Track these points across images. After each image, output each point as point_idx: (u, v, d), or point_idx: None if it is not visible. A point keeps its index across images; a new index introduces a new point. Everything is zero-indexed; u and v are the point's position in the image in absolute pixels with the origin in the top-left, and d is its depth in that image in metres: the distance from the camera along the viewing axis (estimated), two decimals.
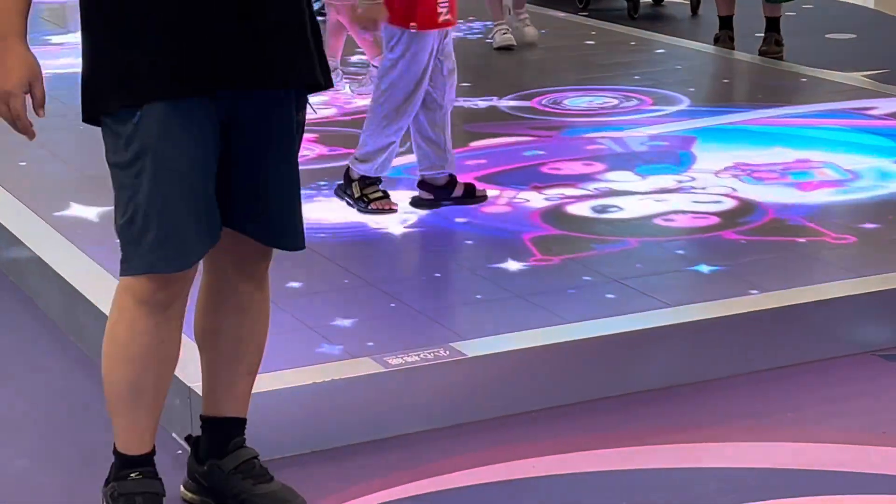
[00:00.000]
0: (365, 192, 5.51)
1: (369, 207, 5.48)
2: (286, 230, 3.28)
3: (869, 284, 4.60)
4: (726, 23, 8.94)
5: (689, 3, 11.05)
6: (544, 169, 6.14)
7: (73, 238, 5.09)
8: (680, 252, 5.05)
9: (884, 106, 7.14)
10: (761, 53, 8.71)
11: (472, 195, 5.61)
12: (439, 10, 5.37)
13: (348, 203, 5.56)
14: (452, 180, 5.61)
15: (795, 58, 8.61)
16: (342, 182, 5.60)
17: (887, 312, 4.52)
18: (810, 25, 9.73)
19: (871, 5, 11.15)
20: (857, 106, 7.20)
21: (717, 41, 8.93)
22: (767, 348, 4.35)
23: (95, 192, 5.51)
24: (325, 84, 3.24)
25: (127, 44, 3.03)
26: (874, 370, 4.28)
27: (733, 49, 8.73)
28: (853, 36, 9.54)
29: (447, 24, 5.43)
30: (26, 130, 3.06)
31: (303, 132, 3.29)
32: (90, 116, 3.14)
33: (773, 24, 8.77)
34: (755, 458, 3.72)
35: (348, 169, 5.58)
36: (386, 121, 5.43)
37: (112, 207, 3.17)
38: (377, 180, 5.54)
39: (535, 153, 6.39)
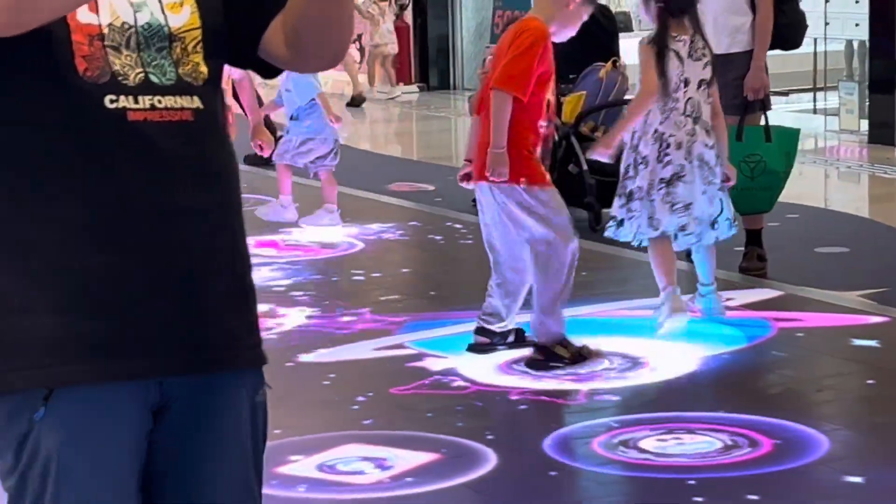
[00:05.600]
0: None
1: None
2: None
3: None
4: (754, 238, 7.82)
5: None
6: None
7: None
8: None
9: None
10: (742, 270, 7.68)
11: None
12: None
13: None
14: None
15: (781, 275, 7.57)
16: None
17: None
18: (797, 237, 8.61)
19: (866, 214, 10.14)
20: None
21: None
22: None
23: None
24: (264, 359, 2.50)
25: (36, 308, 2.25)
26: None
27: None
28: (846, 249, 8.43)
29: None
30: None
31: (265, 419, 2.49)
32: None
33: (754, 238, 7.74)
34: None
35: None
36: None
37: None
38: None
39: None
